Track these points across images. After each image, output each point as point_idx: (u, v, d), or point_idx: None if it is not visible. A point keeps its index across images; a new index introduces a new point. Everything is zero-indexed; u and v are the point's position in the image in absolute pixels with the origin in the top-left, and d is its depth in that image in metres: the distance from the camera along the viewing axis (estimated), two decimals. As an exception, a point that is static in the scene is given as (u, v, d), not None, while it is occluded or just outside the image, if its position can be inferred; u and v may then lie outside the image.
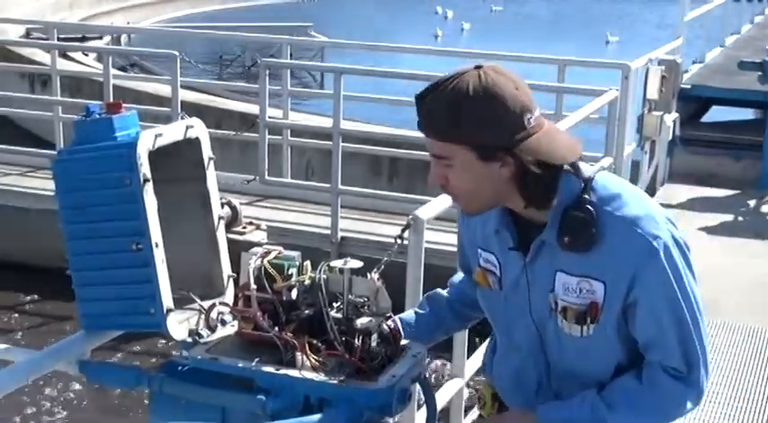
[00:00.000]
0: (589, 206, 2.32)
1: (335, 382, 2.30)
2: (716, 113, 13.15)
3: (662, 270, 2.33)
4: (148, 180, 2.40)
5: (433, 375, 7.21)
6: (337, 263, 2.45)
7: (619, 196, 2.37)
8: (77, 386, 7.84)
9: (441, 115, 2.28)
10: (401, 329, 2.60)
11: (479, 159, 2.29)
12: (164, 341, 8.34)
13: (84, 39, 21.20)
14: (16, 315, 9.54)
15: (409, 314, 2.81)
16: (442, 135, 2.30)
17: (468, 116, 2.26)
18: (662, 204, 2.43)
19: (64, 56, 15.86)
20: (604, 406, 2.41)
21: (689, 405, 2.44)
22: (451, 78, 2.28)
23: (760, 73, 10.64)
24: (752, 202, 9.64)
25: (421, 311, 2.81)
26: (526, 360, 2.55)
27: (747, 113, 13.36)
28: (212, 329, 2.54)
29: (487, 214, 2.50)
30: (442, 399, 4.61)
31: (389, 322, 2.51)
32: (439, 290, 2.90)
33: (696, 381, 2.42)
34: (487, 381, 2.77)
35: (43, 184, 9.57)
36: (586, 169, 2.38)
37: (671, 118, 9.80)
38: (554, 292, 2.41)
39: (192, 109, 10.73)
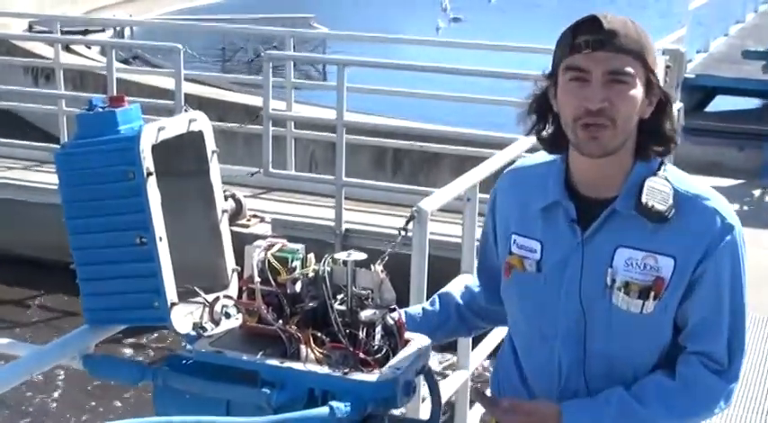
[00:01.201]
0: (666, 180, 2.39)
1: (339, 374, 2.30)
2: (720, 103, 13.13)
3: (734, 248, 2.37)
4: (152, 173, 2.40)
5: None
6: (341, 255, 2.45)
7: (689, 178, 2.45)
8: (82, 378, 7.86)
9: (633, 30, 2.33)
10: (405, 322, 2.59)
11: (644, 85, 2.35)
12: (168, 335, 8.36)
13: (86, 32, 21.18)
14: (21, 309, 9.56)
15: (416, 309, 2.81)
16: (633, 47, 2.32)
17: (647, 36, 2.37)
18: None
19: (67, 49, 15.85)
20: (634, 401, 2.38)
21: (722, 403, 2.42)
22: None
23: (764, 62, 10.64)
24: (756, 192, 9.63)
25: (429, 308, 2.81)
26: (559, 348, 2.50)
27: (752, 103, 13.36)
28: (216, 323, 2.54)
29: (529, 196, 2.53)
30: (446, 391, 4.61)
31: (394, 314, 2.50)
32: (452, 291, 2.88)
33: (734, 376, 2.42)
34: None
35: (47, 178, 9.58)
36: None
37: (675, 107, 9.77)
38: (612, 268, 2.39)
39: (195, 102, 10.73)
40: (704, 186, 2.44)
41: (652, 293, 2.36)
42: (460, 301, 2.83)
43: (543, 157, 2.60)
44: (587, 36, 2.31)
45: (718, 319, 2.39)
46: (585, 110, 2.32)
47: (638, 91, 2.34)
